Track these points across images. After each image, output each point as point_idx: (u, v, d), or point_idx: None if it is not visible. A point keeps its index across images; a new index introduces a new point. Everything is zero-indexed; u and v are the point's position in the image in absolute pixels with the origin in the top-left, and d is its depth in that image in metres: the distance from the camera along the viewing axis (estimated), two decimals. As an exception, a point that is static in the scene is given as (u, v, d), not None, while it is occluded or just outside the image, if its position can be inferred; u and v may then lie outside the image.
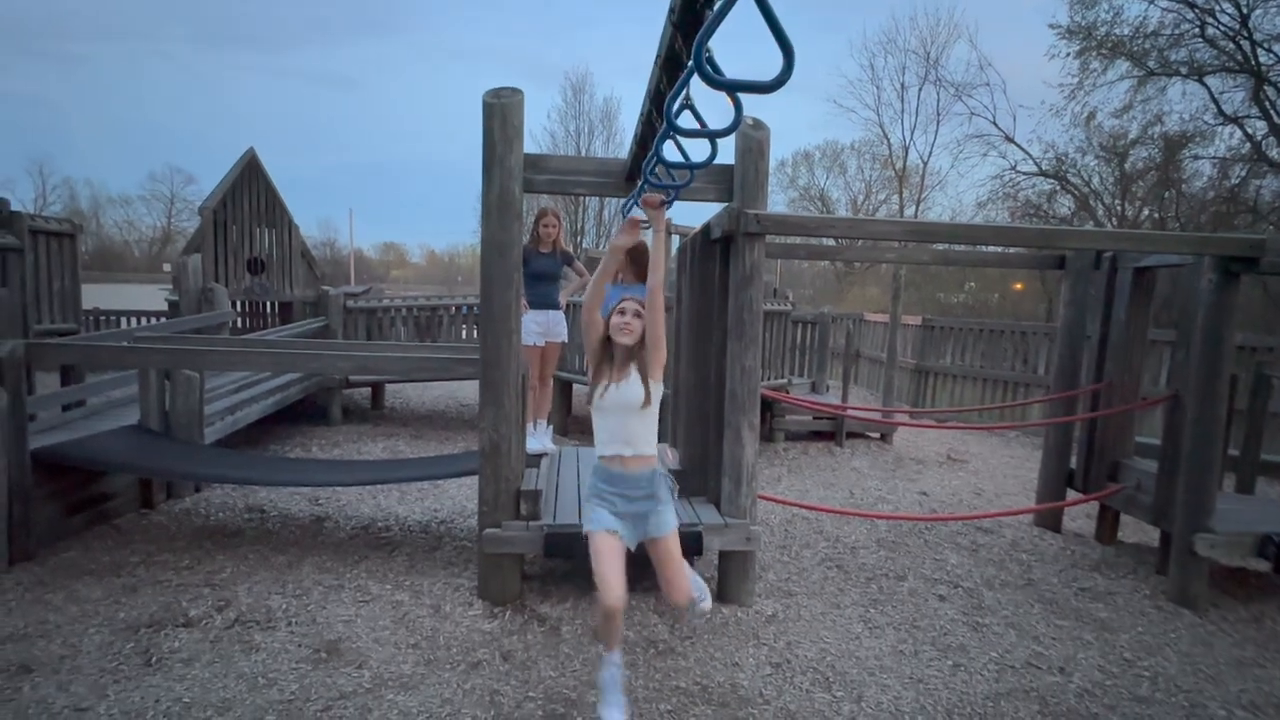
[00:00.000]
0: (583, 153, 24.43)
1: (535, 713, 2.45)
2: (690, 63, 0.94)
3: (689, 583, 2.38)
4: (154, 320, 10.31)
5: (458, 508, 4.64)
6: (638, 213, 2.84)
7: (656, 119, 2.04)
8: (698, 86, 1.33)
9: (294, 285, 8.96)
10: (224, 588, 3.27)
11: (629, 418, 2.22)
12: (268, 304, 9.33)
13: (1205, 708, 2.69)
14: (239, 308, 8.88)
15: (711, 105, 1.52)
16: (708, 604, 2.60)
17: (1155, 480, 3.92)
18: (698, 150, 1.87)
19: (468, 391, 8.95)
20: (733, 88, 0.95)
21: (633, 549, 2.29)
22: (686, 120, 1.27)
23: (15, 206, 5.48)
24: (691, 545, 3.27)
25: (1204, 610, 3.50)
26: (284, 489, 4.75)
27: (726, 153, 3.11)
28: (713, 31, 0.88)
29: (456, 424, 7.35)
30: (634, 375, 2.21)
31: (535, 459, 3.83)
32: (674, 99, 1.18)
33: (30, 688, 2.44)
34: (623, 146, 25.88)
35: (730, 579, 3.34)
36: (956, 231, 3.60)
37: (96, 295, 11.62)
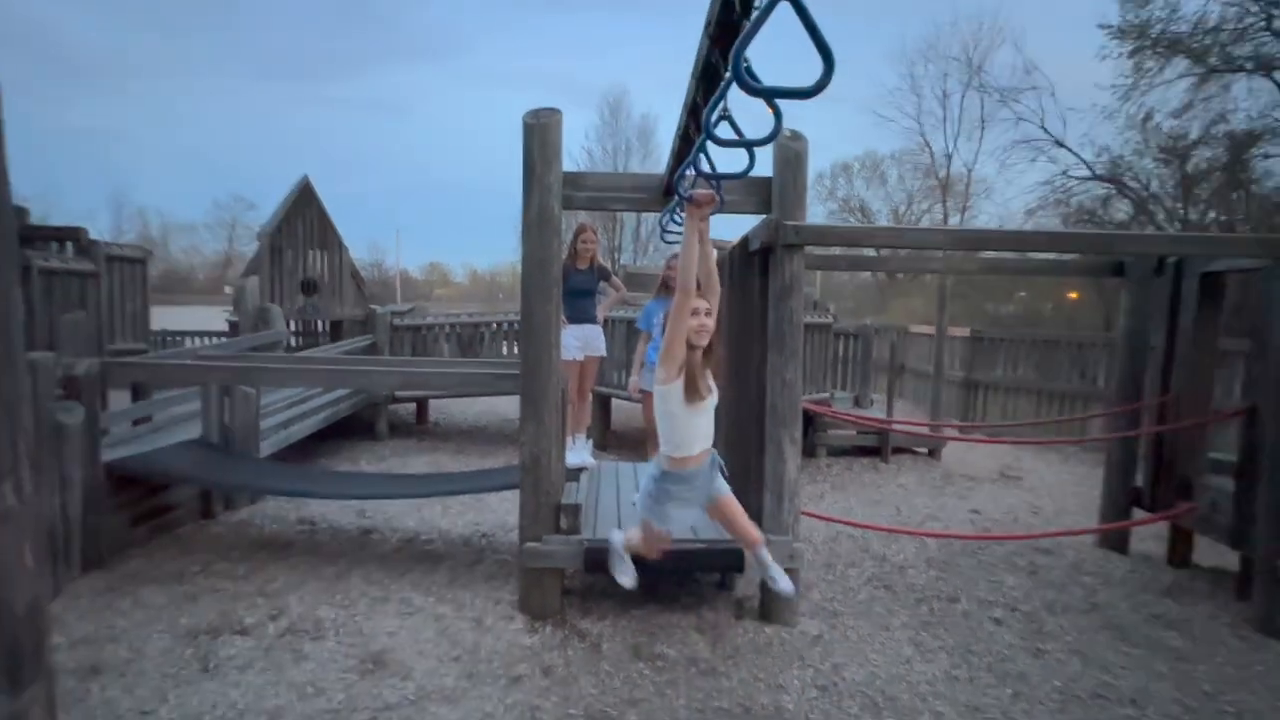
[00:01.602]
0: (620, 170, 24.73)
1: (576, 730, 2.42)
2: (728, 72, 0.94)
3: (750, 522, 2.59)
4: (215, 340, 10.85)
5: (499, 521, 4.68)
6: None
7: (694, 132, 2.05)
8: (735, 100, 1.33)
9: (344, 304, 9.29)
10: (276, 597, 3.37)
11: (710, 416, 2.39)
12: (319, 323, 9.71)
13: (1299, 748, 2.47)
14: (293, 327, 9.26)
15: (748, 118, 1.52)
16: (788, 585, 2.64)
17: (1233, 499, 3.67)
18: (735, 162, 1.86)
19: (509, 407, 9.06)
20: (772, 94, 0.94)
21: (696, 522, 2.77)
22: (724, 131, 1.27)
23: (93, 235, 5.88)
24: (732, 562, 3.22)
25: (1293, 641, 3.24)
26: (333, 501, 4.89)
27: (764, 164, 3.09)
28: (750, 40, 0.88)
29: (498, 439, 7.45)
30: (709, 375, 2.34)
31: (575, 473, 3.84)
32: (712, 109, 1.18)
33: (99, 689, 2.56)
34: (659, 163, 26.04)
35: (773, 598, 3.25)
36: (1006, 238, 3.48)
37: (163, 317, 12.29)
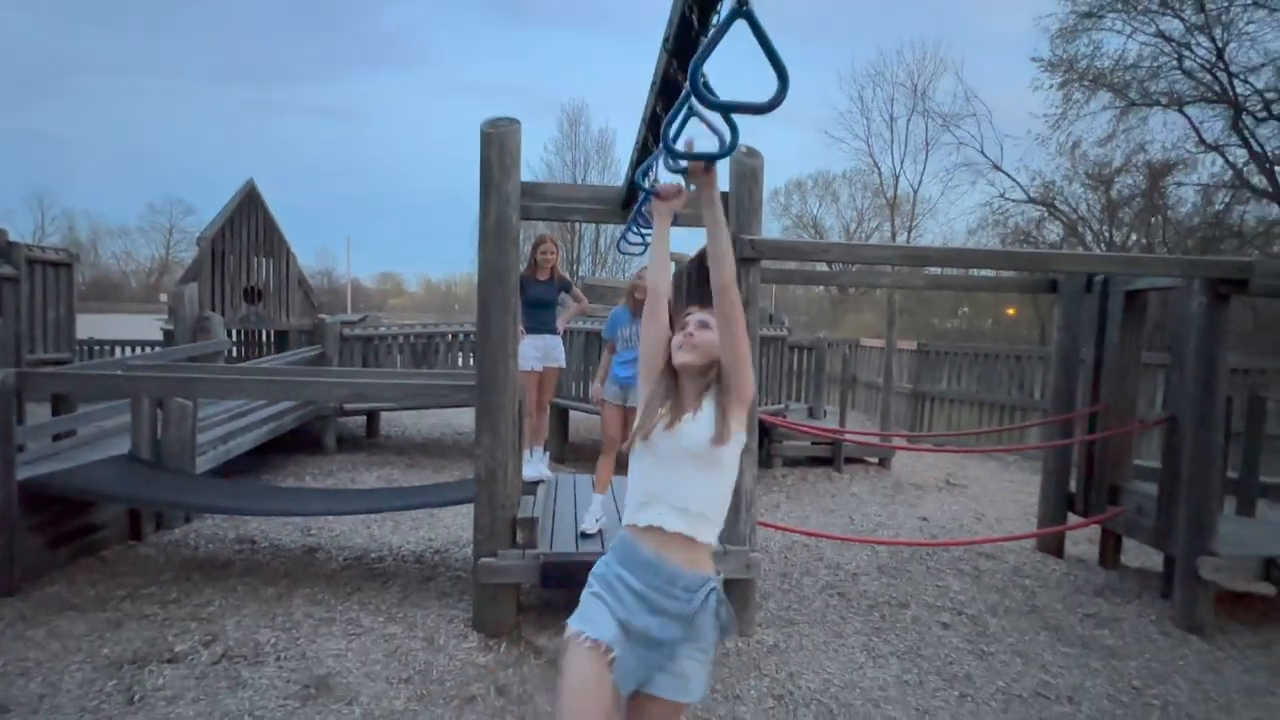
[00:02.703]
0: (579, 183, 24.78)
1: (531, 749, 2.37)
2: (686, 86, 0.96)
3: None
4: (148, 350, 10.28)
5: (453, 537, 4.56)
6: (631, 241, 2.87)
7: (652, 144, 2.07)
8: (694, 121, 1.35)
9: (290, 314, 8.97)
10: (211, 621, 3.19)
11: (688, 469, 1.42)
12: (263, 333, 9.33)
13: (1218, 737, 2.63)
14: (235, 336, 8.87)
15: (707, 136, 1.54)
16: None
17: (1156, 503, 3.90)
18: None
19: (464, 419, 8.89)
20: (728, 109, 0.96)
21: (623, 693, 1.40)
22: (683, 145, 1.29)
23: (14, 237, 5.50)
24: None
25: (1212, 636, 3.45)
26: (276, 519, 4.67)
27: (721, 180, 3.15)
28: (708, 54, 0.90)
29: (453, 452, 7.28)
30: (706, 409, 1.45)
31: (531, 486, 3.78)
32: (670, 122, 1.20)
33: (7, 728, 2.36)
34: (618, 176, 26.31)
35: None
36: (950, 255, 3.65)
37: (92, 325, 11.58)
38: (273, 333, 9.31)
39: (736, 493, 3.31)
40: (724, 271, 1.43)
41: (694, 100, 1.17)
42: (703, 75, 1.04)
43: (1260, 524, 4.30)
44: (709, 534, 1.45)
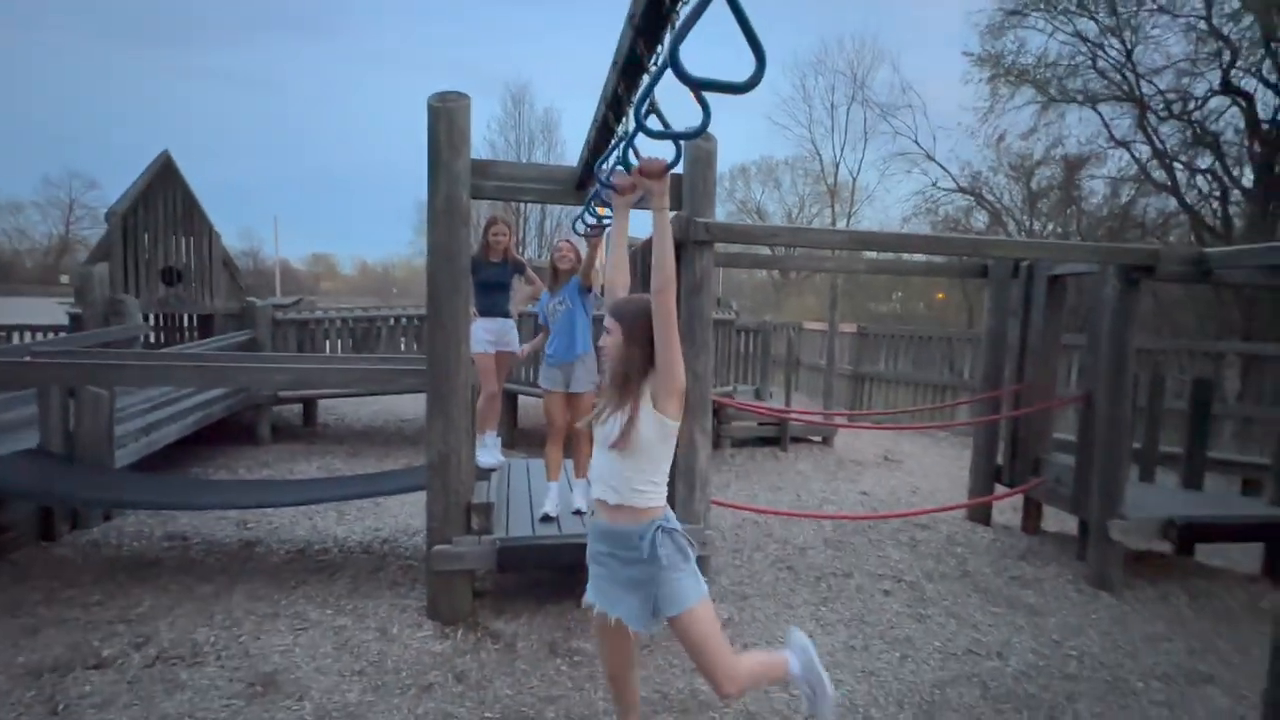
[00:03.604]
0: (524, 162, 24.24)
1: (493, 733, 2.36)
2: (663, 62, 0.95)
3: (725, 674, 1.74)
4: (53, 335, 9.44)
5: (401, 525, 4.45)
6: (588, 221, 2.84)
7: (613, 122, 2.05)
8: (662, 94, 1.34)
9: (215, 296, 8.41)
10: (142, 623, 3.00)
11: (614, 456, 1.74)
12: (185, 316, 8.73)
13: (1126, 681, 2.89)
14: (152, 321, 8.26)
15: (672, 114, 1.53)
16: (826, 705, 1.95)
17: (1073, 473, 4.22)
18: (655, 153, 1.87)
19: (406, 406, 8.63)
20: (707, 87, 0.96)
21: (643, 631, 1.79)
22: (653, 123, 1.28)
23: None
24: (647, 553, 3.27)
25: (1119, 591, 3.78)
26: (207, 514, 4.42)
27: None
28: (687, 32, 0.90)
29: (396, 440, 7.07)
30: (628, 406, 1.73)
31: (485, 473, 3.73)
32: (643, 100, 1.19)
33: (-91, 748, 2.16)
34: (564, 157, 25.86)
35: (686, 585, 3.35)
36: (895, 240, 3.79)
37: (-19, 309, 10.50)
38: (195, 317, 8.71)
39: (691, 473, 3.38)
40: (661, 275, 1.67)
41: (653, 82, 1.17)
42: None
43: (1159, 489, 4.72)
44: (646, 499, 1.74)
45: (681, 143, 1.34)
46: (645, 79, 1.24)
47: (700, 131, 1.15)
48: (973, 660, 3.02)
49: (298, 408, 7.45)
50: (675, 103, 1.51)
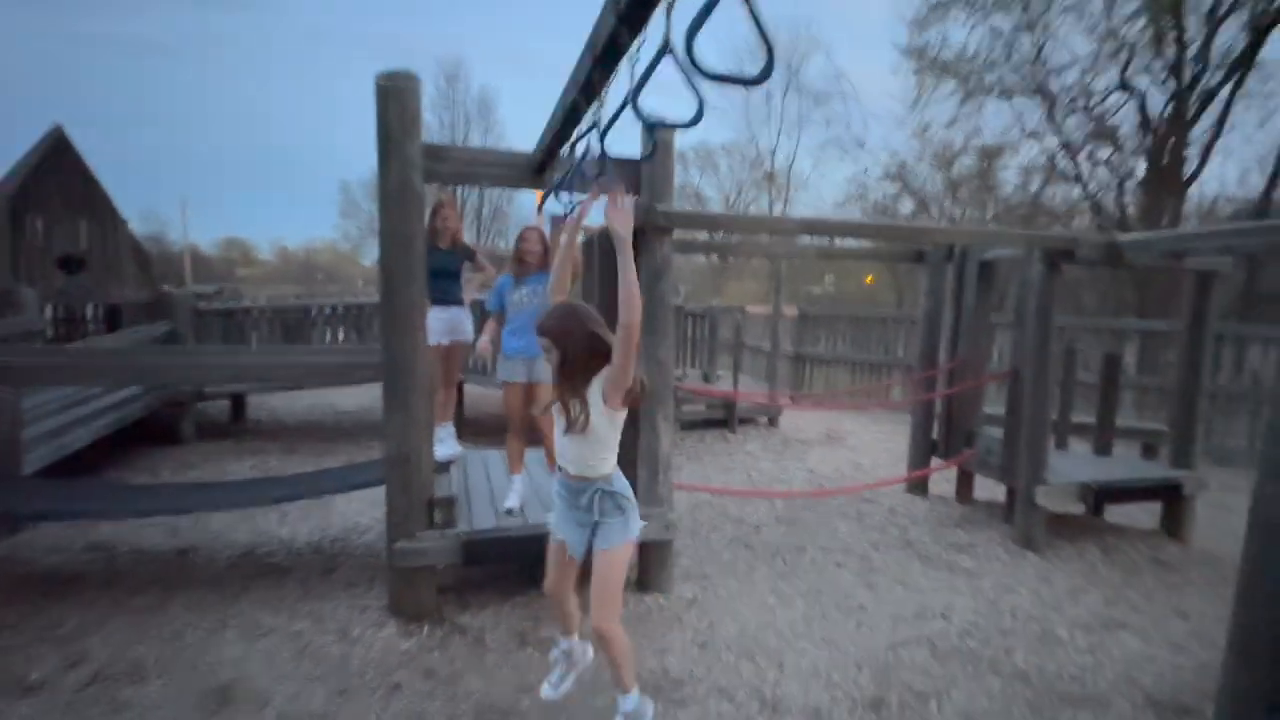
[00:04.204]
0: (459, 144, 23.42)
1: (468, 728, 2.34)
2: (679, 51, 0.95)
3: (609, 610, 2.06)
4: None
5: (349, 524, 4.29)
6: (552, 207, 2.80)
7: (582, 107, 2.02)
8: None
9: (122, 285, 7.75)
10: (70, 642, 2.77)
11: (570, 439, 2.01)
12: (89, 307, 8.00)
13: (1053, 632, 3.17)
14: (49, 313, 7.53)
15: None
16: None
17: (1001, 444, 4.55)
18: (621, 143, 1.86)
19: (345, 398, 8.27)
20: (721, 79, 0.97)
21: (578, 558, 2.14)
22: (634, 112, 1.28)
23: None
24: (613, 538, 3.29)
25: (1043, 551, 4.12)
26: (130, 522, 4.11)
27: (633, 149, 3.14)
28: (701, 24, 0.90)
29: (335, 434, 6.77)
30: (579, 400, 1.95)
31: (443, 466, 3.64)
32: (640, 88, 1.18)
33: None
34: (502, 139, 25.16)
35: (651, 569, 3.40)
36: (846, 227, 3.93)
37: None
38: (100, 308, 8.01)
39: (654, 457, 3.41)
40: (630, 314, 1.82)
41: (650, 70, 1.17)
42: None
43: (1073, 456, 5.16)
44: (596, 470, 2.05)
45: (665, 133, 1.34)
46: (639, 66, 1.23)
47: (696, 121, 1.15)
48: (920, 622, 3.23)
49: (224, 404, 7.01)
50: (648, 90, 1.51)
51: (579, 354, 1.93)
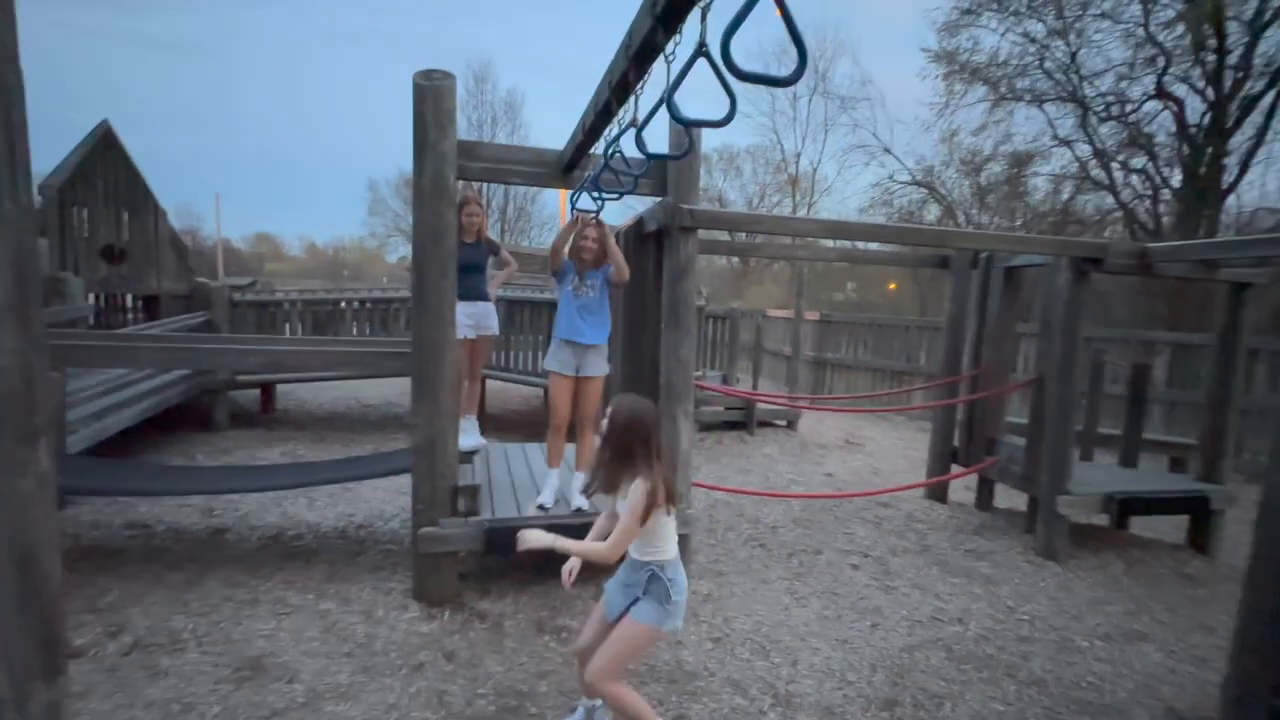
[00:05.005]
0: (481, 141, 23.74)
1: (487, 709, 2.41)
2: (716, 54, 1.00)
3: (606, 671, 2.07)
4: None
5: (374, 511, 4.40)
6: (584, 203, 2.87)
7: (614, 107, 2.08)
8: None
9: (161, 276, 8.01)
10: (113, 612, 2.91)
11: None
12: (127, 297, 8.29)
13: (1072, 641, 3.15)
14: (93, 301, 7.82)
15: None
16: None
17: (1024, 453, 4.50)
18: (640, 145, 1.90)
19: (368, 391, 8.45)
20: (754, 80, 1.02)
21: (610, 620, 2.16)
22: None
23: None
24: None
25: (1065, 561, 4.08)
26: (169, 501, 4.27)
27: (659, 147, 3.19)
28: (738, 27, 0.95)
29: (360, 425, 6.93)
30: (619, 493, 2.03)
31: (467, 456, 3.72)
32: (675, 87, 1.24)
33: None
34: (528, 139, 25.41)
35: (668, 562, 3.44)
36: (869, 231, 3.94)
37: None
38: (139, 298, 8.29)
39: (674, 453, 3.43)
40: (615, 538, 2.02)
41: (685, 69, 1.22)
42: (705, 45, 1.09)
43: (1098, 467, 5.08)
44: (653, 556, 2.08)
45: (694, 132, 1.39)
46: (674, 66, 1.28)
47: (728, 119, 1.20)
48: (936, 626, 3.22)
49: (254, 394, 7.21)
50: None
51: (619, 449, 2.01)
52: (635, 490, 1.97)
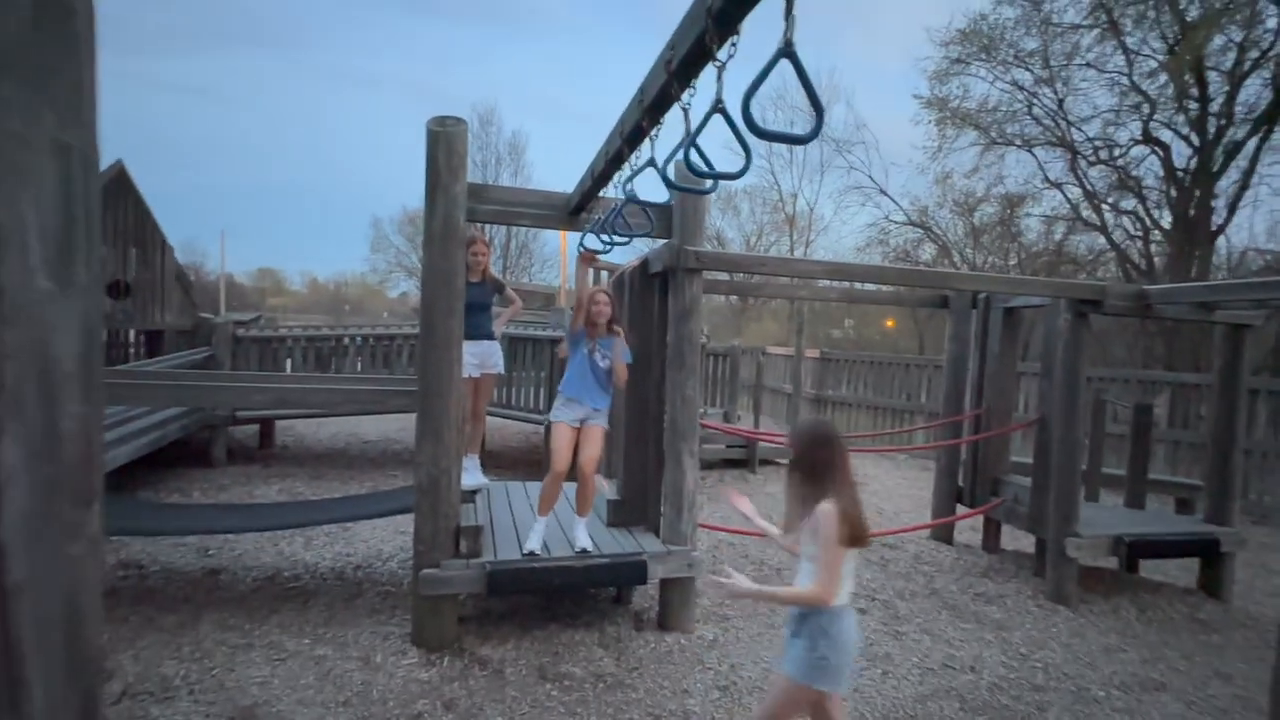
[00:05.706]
0: (491, 183, 24.24)
1: (489, 762, 2.33)
2: (736, 114, 1.04)
3: None
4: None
5: (373, 551, 4.33)
6: (592, 242, 2.92)
7: (626, 154, 2.14)
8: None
9: (166, 312, 8.06)
10: (102, 657, 2.82)
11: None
12: (130, 333, 8.32)
13: (1088, 690, 3.07)
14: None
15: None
16: None
17: (1030, 494, 4.47)
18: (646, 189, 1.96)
19: (369, 427, 8.40)
20: (773, 138, 1.05)
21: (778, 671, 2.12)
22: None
23: None
24: (635, 574, 3.29)
25: (1076, 606, 4.00)
26: (164, 540, 4.19)
27: (660, 193, 3.26)
28: (757, 88, 0.99)
29: (359, 462, 6.86)
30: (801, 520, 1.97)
31: (469, 495, 3.68)
32: (693, 140, 1.28)
33: None
34: (530, 180, 25.95)
35: (672, 606, 3.38)
36: (870, 272, 3.99)
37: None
38: (141, 333, 8.32)
39: (679, 494, 3.42)
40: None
41: (702, 124, 1.27)
42: (721, 102, 1.13)
43: (1105, 508, 5.04)
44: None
45: (722, 182, 1.43)
46: (690, 120, 1.32)
47: (742, 173, 1.24)
48: (949, 674, 3.14)
49: (253, 429, 7.16)
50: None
51: (802, 468, 1.99)
52: (823, 515, 1.84)
